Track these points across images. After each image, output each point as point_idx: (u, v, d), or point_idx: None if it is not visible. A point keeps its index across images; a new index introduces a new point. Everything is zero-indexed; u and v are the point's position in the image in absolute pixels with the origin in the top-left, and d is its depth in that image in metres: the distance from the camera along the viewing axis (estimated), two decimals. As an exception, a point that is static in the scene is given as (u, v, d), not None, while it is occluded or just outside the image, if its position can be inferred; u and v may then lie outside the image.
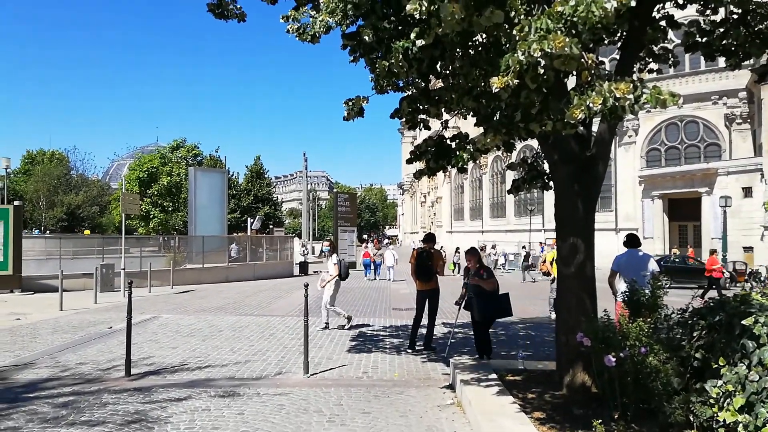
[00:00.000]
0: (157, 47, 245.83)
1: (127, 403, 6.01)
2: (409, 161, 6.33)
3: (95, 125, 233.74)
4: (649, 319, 4.80)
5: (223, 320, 12.37)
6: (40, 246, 24.17)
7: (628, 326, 4.67)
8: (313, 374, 7.39)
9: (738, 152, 33.20)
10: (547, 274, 13.87)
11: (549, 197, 43.80)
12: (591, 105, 3.34)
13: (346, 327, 11.11)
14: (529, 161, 7.11)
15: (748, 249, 28.69)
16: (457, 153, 5.07)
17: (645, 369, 4.48)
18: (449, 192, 68.39)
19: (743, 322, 3.99)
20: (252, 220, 37.20)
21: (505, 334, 10.88)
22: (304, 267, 29.54)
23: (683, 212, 34.34)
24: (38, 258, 21.74)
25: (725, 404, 3.89)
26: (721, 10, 6.85)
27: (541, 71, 3.62)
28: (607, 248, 25.08)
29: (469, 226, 60.60)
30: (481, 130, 5.12)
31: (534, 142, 7.07)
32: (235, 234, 36.26)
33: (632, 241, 7.89)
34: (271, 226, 49.87)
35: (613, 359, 4.35)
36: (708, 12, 6.89)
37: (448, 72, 5.76)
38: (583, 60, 3.67)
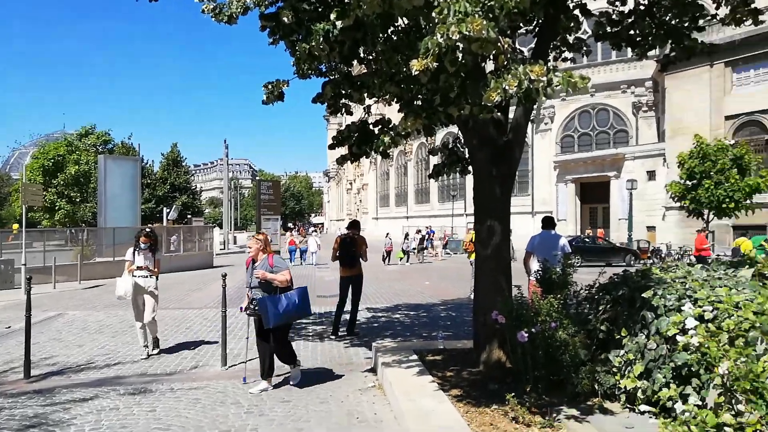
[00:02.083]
0: (62, 31, 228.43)
1: (26, 407, 5.55)
2: (332, 146, 6.22)
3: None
4: (559, 296, 4.98)
5: (137, 314, 11.73)
6: (-74, 242, 21.88)
7: (540, 303, 4.84)
8: (231, 366, 7.17)
9: (643, 138, 35.52)
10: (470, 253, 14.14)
11: (471, 183, 44.85)
12: (507, 87, 3.38)
13: (154, 352, 7.96)
14: (450, 146, 7.19)
15: (651, 228, 30.89)
16: (380, 137, 5.02)
17: (555, 343, 4.66)
18: (375, 179, 68.72)
19: (643, 295, 4.23)
20: (168, 210, 35.56)
21: (427, 315, 11.07)
22: None
23: (594, 195, 36.39)
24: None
25: (626, 372, 4.12)
26: (630, 2, 7.20)
27: (460, 55, 3.63)
28: (525, 231, 26.15)
29: (395, 212, 61.27)
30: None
31: (456, 129, 7.19)
32: (149, 225, 34.64)
33: (547, 223, 8.22)
34: (189, 216, 47.95)
35: (526, 335, 4.49)
36: (618, 3, 7.21)
37: (371, 57, 5.70)
38: (499, 44, 3.70)
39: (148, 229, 8.28)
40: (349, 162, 6.70)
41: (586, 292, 5.64)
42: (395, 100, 5.56)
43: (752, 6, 6.50)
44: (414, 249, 28.69)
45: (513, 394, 4.27)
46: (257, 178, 77.36)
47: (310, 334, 9.27)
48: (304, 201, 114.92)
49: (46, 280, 17.83)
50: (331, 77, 5.64)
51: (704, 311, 3.53)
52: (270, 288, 6.02)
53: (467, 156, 6.86)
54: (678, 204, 25.19)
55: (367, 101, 5.79)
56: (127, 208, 24.89)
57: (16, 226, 27.82)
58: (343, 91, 5.50)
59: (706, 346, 2.37)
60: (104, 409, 5.44)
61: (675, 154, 26.35)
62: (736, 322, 3.30)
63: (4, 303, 13.78)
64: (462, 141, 6.98)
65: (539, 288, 6.12)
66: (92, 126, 42.58)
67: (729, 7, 6.53)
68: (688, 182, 23.49)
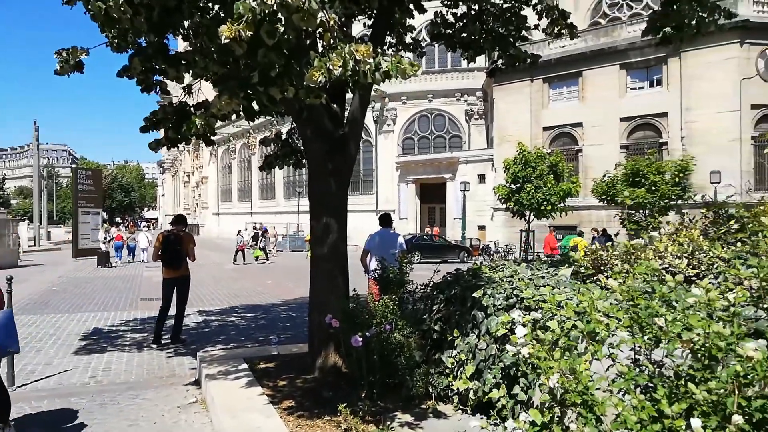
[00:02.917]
0: None
1: None
2: (144, 129, 5.37)
3: None
4: (395, 296, 4.84)
5: None
6: None
7: (375, 304, 4.64)
8: (22, 386, 5.99)
9: (475, 144, 38.25)
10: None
11: (316, 180, 44.65)
12: (331, 67, 3.07)
13: None
14: (284, 137, 6.76)
15: (482, 227, 33.36)
16: (190, 125, 4.35)
17: (390, 345, 4.50)
18: (216, 172, 65.35)
19: (474, 294, 4.21)
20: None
21: (266, 317, 10.51)
22: (104, 258, 23.24)
23: (432, 195, 38.30)
24: None
25: (459, 373, 4.06)
26: (463, 6, 7.41)
27: (281, 27, 3.25)
28: (370, 228, 26.63)
29: (238, 207, 58.86)
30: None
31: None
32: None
33: (385, 221, 8.16)
34: (-12, 208, 41.09)
35: (360, 339, 4.24)
36: (450, 3, 7.36)
37: (191, 32, 5.04)
38: (324, 19, 3.39)
39: None
40: (184, 152, 6.09)
41: (422, 290, 5.61)
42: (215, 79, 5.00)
43: (569, 21, 7.04)
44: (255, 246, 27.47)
45: (345, 404, 3.98)
46: (75, 165, 68.82)
47: (128, 343, 8.20)
48: (135, 193, 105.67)
49: None
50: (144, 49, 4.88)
51: (530, 313, 3.58)
52: None
53: (302, 148, 6.51)
54: (504, 206, 27.44)
55: (189, 80, 5.13)
56: None
57: None
58: (157, 66, 4.78)
59: (537, 357, 2.26)
60: None
61: (501, 160, 28.64)
62: (559, 322, 3.34)
63: None
64: (296, 131, 6.62)
65: (377, 286, 5.99)
66: None
67: (549, 19, 7.00)
68: (512, 186, 25.67)
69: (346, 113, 5.98)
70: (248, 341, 8.25)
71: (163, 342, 7.94)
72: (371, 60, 3.06)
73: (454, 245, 28.41)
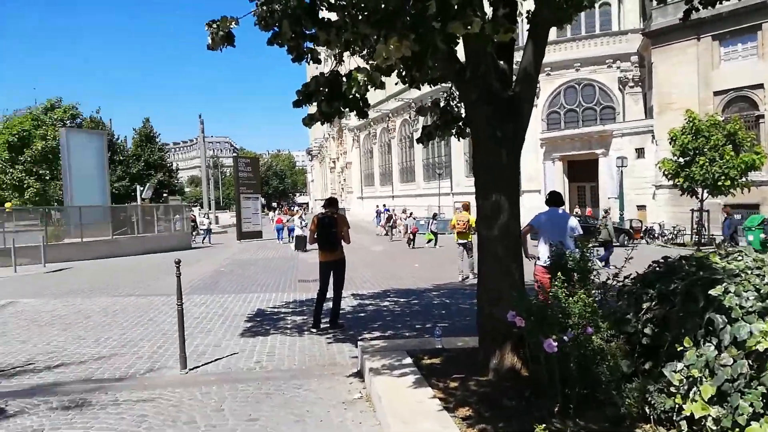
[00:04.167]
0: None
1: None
2: (297, 104, 5.04)
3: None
4: (593, 291, 4.01)
5: (95, 303, 10.60)
6: None
7: (568, 301, 3.85)
8: (193, 369, 6.13)
9: (630, 114, 34.62)
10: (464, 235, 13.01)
11: (456, 161, 43.90)
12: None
13: None
14: (442, 104, 6.11)
15: (642, 207, 30.19)
16: (351, 82, 3.84)
17: (588, 351, 3.71)
18: (358, 157, 67.35)
19: (711, 292, 3.25)
20: (142, 189, 33.92)
21: (419, 303, 10.11)
22: (302, 241, 22.31)
23: (581, 173, 35.55)
24: None
25: (691, 394, 3.16)
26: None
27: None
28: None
29: (380, 191, 60.12)
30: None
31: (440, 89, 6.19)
32: (126, 204, 32.99)
33: (555, 200, 7.20)
34: (165, 195, 46.17)
35: (555, 344, 3.51)
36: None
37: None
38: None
39: None
40: (329, 139, 5.69)
41: (616, 282, 4.68)
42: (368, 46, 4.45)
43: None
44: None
45: (543, 425, 3.29)
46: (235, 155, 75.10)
47: (289, 326, 8.26)
48: (288, 180, 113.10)
49: (6, 263, 16.76)
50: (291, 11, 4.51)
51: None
52: None
53: (464, 115, 5.83)
54: (670, 182, 24.45)
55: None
56: (95, 186, 23.43)
57: (9, 204, 25.38)
58: (306, 31, 4.39)
59: None
60: (25, 431, 4.39)
61: (664, 131, 25.52)
62: None
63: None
64: (456, 97, 5.94)
65: (547, 276, 5.22)
66: (58, 99, 40.39)
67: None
68: (681, 159, 22.72)
69: (514, 71, 5.19)
70: (404, 329, 7.87)
71: (321, 326, 7.86)
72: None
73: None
